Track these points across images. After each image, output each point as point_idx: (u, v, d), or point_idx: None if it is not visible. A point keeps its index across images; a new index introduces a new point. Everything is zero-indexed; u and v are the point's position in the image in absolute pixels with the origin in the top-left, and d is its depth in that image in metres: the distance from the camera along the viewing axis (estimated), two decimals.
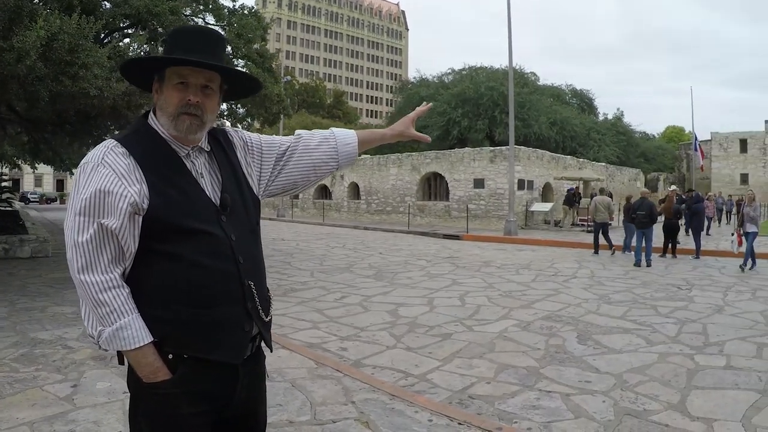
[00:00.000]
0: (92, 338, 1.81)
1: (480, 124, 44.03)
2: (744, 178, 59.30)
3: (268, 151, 2.19)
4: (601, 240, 16.95)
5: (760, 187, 56.77)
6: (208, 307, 1.83)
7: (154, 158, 1.86)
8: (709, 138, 62.77)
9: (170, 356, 1.80)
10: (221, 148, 2.06)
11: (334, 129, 2.32)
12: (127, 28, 11.41)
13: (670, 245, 16.18)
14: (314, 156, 2.23)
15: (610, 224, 17.45)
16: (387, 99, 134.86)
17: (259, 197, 2.15)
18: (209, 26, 2.22)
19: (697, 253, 15.92)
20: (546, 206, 27.60)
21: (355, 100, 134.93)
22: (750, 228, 13.59)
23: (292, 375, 5.28)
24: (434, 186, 30.61)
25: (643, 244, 14.37)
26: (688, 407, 4.66)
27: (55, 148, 18.12)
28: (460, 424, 4.21)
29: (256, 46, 12.96)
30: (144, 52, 9.93)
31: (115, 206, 1.73)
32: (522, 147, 28.88)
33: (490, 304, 9.00)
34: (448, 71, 56.34)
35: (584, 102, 59.85)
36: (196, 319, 1.81)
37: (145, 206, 1.77)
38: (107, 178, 1.75)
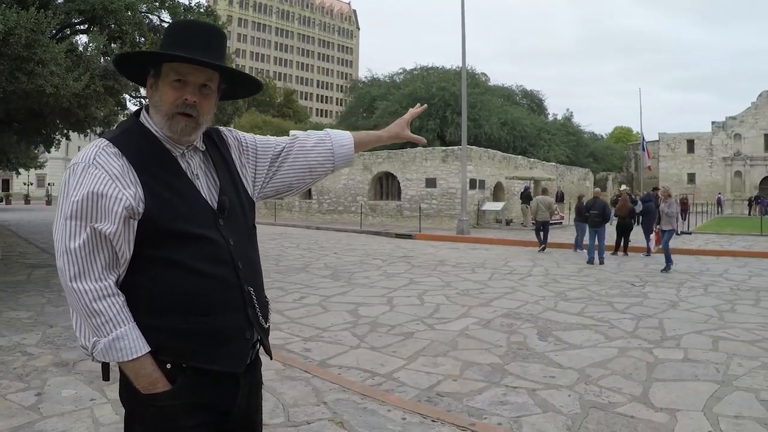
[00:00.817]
0: (85, 350, 1.72)
1: (431, 124, 44.25)
2: (691, 178, 61.35)
3: (263, 151, 2.13)
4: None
5: (707, 187, 58.93)
6: (208, 315, 1.77)
7: (148, 159, 1.78)
8: (657, 138, 64.55)
9: (168, 366, 1.73)
10: (216, 147, 1.99)
11: (329, 130, 2.27)
12: (81, 24, 11.10)
13: (622, 243, 16.63)
14: (310, 157, 2.17)
15: (561, 223, 17.86)
16: (337, 98, 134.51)
17: (254, 199, 2.09)
18: (210, 23, 2.13)
19: (648, 250, 16.39)
20: (497, 205, 28.02)
21: (306, 99, 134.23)
22: (666, 226, 13.30)
23: None
24: (386, 185, 30.69)
25: (596, 243, 14.74)
26: (651, 399, 4.83)
27: (2, 147, 17.54)
28: (433, 421, 4.26)
29: None
30: (103, 53, 9.68)
31: (110, 210, 1.65)
32: (473, 147, 29.19)
33: (449, 303, 9.09)
34: (400, 71, 56.47)
35: (534, 102, 60.80)
36: (196, 328, 1.75)
37: (141, 210, 1.70)
38: (100, 180, 1.67)
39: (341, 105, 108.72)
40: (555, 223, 26.76)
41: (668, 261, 13.21)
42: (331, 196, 32.54)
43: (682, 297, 9.80)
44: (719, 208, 52.05)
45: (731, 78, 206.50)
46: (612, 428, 4.23)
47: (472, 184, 26.60)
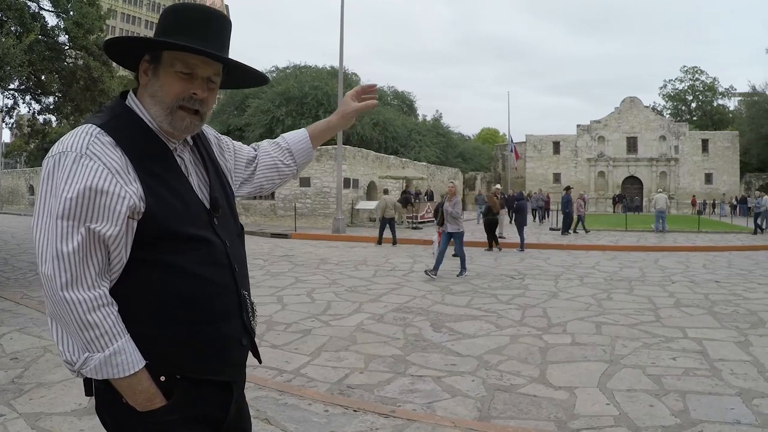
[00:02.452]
0: (70, 365, 1.54)
1: (304, 123, 43.82)
2: (556, 178, 64.70)
3: (240, 153, 2.09)
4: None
5: (572, 186, 62.26)
6: (210, 323, 1.64)
7: (144, 152, 1.60)
8: (524, 140, 67.57)
9: (162, 378, 1.58)
10: (201, 143, 1.85)
11: (283, 134, 2.24)
12: None
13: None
14: (274, 157, 2.15)
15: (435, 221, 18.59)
16: None
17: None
18: (216, 9, 1.90)
19: (522, 246, 17.39)
20: (371, 204, 28.48)
21: None
22: (451, 227, 12.00)
23: None
24: None
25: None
26: (549, 379, 5.26)
27: None
28: (355, 411, 4.39)
29: (94, 36, 12.06)
30: None
31: (112, 209, 1.48)
32: (348, 146, 29.50)
33: (339, 300, 9.23)
34: (272, 69, 55.82)
35: (405, 104, 62.11)
36: (199, 338, 1.62)
37: (142, 209, 1.53)
38: (98, 174, 1.48)
39: None
40: (429, 221, 27.64)
41: (463, 266, 12.13)
42: None
43: (560, 288, 10.50)
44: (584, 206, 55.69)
45: (596, 84, 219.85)
46: (518, 407, 4.57)
47: (347, 183, 26.89)
